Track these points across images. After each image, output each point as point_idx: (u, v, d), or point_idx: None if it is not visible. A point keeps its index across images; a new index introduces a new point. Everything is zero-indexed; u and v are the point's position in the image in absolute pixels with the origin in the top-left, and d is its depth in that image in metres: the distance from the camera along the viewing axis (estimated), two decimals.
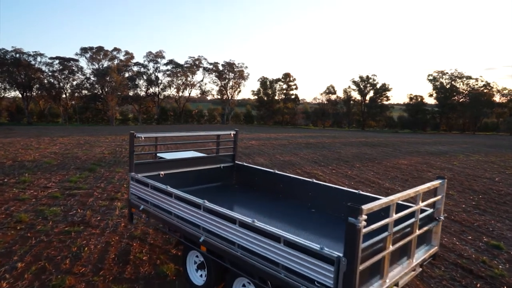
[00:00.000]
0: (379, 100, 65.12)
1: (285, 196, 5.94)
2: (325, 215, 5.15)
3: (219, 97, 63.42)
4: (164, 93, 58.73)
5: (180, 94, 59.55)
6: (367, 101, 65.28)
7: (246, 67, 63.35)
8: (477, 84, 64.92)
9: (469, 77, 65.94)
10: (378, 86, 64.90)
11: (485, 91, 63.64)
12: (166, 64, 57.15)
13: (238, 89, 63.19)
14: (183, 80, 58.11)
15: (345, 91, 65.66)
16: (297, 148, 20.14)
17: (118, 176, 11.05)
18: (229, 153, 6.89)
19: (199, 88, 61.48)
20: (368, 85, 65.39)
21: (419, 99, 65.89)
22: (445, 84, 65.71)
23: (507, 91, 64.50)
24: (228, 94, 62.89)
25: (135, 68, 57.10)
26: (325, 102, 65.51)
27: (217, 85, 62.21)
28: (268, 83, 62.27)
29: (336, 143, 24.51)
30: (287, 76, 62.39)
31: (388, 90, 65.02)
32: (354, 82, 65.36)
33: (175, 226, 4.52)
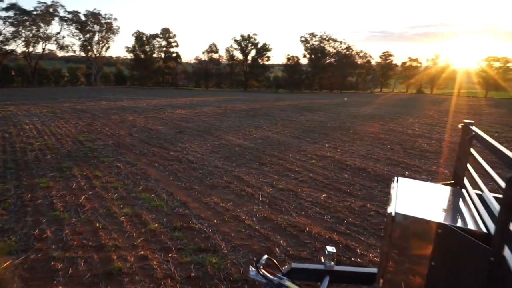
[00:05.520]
0: (261, 60, 64.87)
1: None
2: None
3: (83, 54, 52.33)
4: (6, 47, 44.68)
5: (31, 49, 46.42)
6: (249, 61, 64.15)
7: (116, 19, 53.21)
8: (341, 47, 70.67)
9: (334, 40, 70.94)
10: (259, 45, 64.16)
11: (347, 53, 70.05)
12: (6, 9, 42.91)
13: (107, 45, 53.22)
14: (34, 31, 45.10)
15: (227, 50, 62.85)
16: (244, 117, 16.64)
17: (116, 196, 5.88)
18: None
19: (55, 42, 49.08)
20: (250, 44, 64.01)
21: (296, 60, 68.19)
22: (315, 45, 69.41)
23: (363, 53, 72.28)
24: (94, 50, 52.42)
25: None
26: (207, 60, 61.59)
27: (79, 39, 50.82)
28: (144, 38, 54.07)
29: (267, 107, 21.84)
30: (166, 31, 55.33)
31: (269, 50, 65.09)
32: (236, 41, 63.00)
33: None
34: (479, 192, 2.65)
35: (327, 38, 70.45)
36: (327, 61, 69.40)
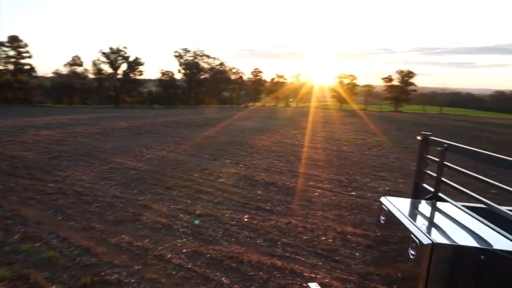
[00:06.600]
0: (133, 75, 61.43)
1: None
2: None
3: None
4: None
5: None
6: (120, 76, 60.01)
7: None
8: (215, 63, 72.54)
9: (208, 56, 72.44)
10: (130, 59, 60.75)
11: (221, 69, 72.35)
12: None
13: None
14: None
15: (94, 63, 57.58)
16: (128, 136, 14.96)
17: None
18: None
19: None
20: (120, 58, 60.06)
21: (171, 75, 66.91)
22: (189, 61, 69.57)
23: (236, 69, 75.71)
24: None
25: None
26: (70, 74, 55.19)
27: None
28: None
29: (150, 124, 20.31)
30: (14, 39, 47.32)
31: (141, 64, 62.14)
32: (104, 54, 58.39)
33: None
34: (466, 204, 2.65)
35: (200, 54, 71.26)
36: (202, 77, 70.12)
